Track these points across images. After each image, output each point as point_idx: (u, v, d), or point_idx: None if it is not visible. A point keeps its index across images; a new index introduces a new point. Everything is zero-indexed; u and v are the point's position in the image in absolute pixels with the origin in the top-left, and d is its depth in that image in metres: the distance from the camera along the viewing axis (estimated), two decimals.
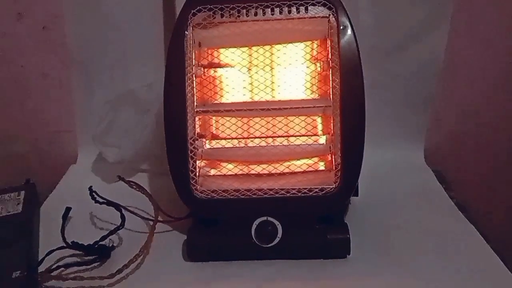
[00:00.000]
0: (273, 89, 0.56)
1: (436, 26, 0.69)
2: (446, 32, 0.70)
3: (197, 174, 0.53)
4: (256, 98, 0.55)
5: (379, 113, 0.71)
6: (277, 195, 0.52)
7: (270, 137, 0.55)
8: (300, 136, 0.54)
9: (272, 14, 0.53)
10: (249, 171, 0.54)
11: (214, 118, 0.57)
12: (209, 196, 0.53)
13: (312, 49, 0.55)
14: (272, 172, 0.53)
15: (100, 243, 0.54)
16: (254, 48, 0.55)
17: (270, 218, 0.52)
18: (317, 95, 0.55)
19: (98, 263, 0.53)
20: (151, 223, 0.58)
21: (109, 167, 0.71)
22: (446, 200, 0.65)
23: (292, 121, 0.54)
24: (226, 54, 0.55)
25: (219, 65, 0.56)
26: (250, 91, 0.55)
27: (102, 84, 0.74)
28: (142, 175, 0.73)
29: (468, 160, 0.79)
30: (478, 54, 0.73)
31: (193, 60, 0.54)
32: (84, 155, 0.77)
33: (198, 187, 0.53)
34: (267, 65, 0.55)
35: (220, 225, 0.53)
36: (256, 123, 0.54)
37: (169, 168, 0.53)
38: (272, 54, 0.55)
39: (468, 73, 0.74)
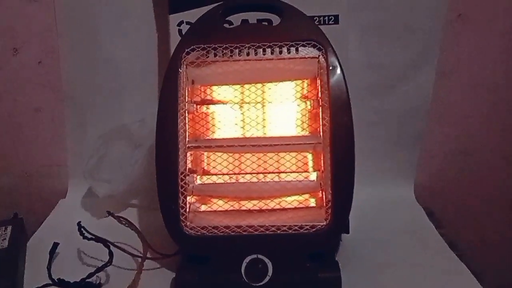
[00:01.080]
0: (264, 126, 0.57)
1: (424, 66, 0.72)
2: (433, 72, 0.72)
3: (187, 210, 0.53)
4: (248, 135, 0.56)
5: (368, 151, 0.72)
6: (267, 232, 0.51)
7: (261, 173, 0.55)
8: (291, 172, 0.54)
9: (264, 54, 0.54)
10: (240, 207, 0.53)
11: (205, 153, 0.58)
12: (198, 233, 0.52)
13: (303, 87, 0.57)
14: (263, 208, 0.53)
15: (87, 280, 0.53)
16: (246, 86, 0.57)
17: (260, 256, 0.51)
18: (307, 132, 0.56)
19: None
20: (139, 260, 0.57)
21: (99, 202, 0.70)
22: (436, 238, 0.65)
23: (283, 157, 0.54)
24: (219, 92, 0.57)
25: (212, 102, 0.57)
26: (242, 127, 0.56)
27: (95, 118, 0.74)
28: (132, 210, 0.72)
29: (458, 198, 0.80)
30: (466, 93, 0.75)
31: (186, 97, 0.54)
32: (74, 189, 0.77)
33: (188, 223, 0.53)
34: (259, 102, 0.56)
35: (210, 263, 0.52)
36: (247, 159, 0.54)
37: (159, 204, 0.53)
38: (264, 92, 0.56)
39: (457, 111, 0.76)
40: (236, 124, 0.56)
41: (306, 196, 0.55)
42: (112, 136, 0.70)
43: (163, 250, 0.58)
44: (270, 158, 0.54)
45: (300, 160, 0.54)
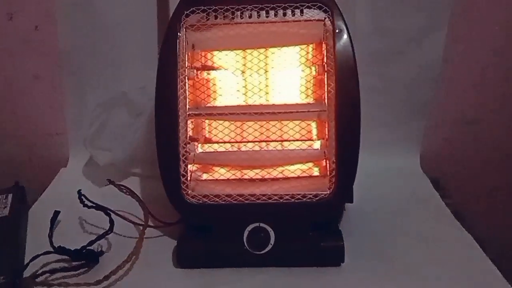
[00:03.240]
0: (267, 93, 0.55)
1: (434, 31, 0.69)
2: (444, 37, 0.69)
3: (189, 178, 0.52)
4: (250, 102, 0.54)
5: (374, 119, 0.71)
6: (270, 200, 0.51)
7: (263, 141, 0.54)
8: (294, 140, 0.53)
9: (267, 17, 0.52)
10: (242, 176, 0.52)
11: (207, 121, 0.56)
12: (200, 201, 0.51)
13: (307, 52, 0.54)
14: (266, 177, 0.52)
15: (88, 248, 0.53)
16: (248, 51, 0.54)
17: (262, 225, 0.51)
18: (311, 99, 0.54)
19: (86, 268, 0.52)
20: (141, 228, 0.57)
21: (99, 170, 0.70)
22: (442, 207, 0.64)
23: (286, 125, 0.53)
24: (220, 57, 0.55)
25: (212, 68, 0.55)
26: (244, 94, 0.54)
27: (94, 86, 0.72)
28: (133, 179, 0.72)
29: (465, 167, 0.78)
30: (476, 59, 0.72)
31: (186, 62, 0.52)
32: (75, 158, 0.76)
33: (189, 191, 0.52)
34: (261, 68, 0.54)
35: (211, 231, 0.52)
36: (250, 127, 0.53)
37: (160, 172, 0.52)
38: (267, 57, 0.54)
39: (466, 79, 0.74)
40: (238, 91, 0.54)
41: (310, 165, 0.54)
42: (112, 103, 0.68)
43: (164, 219, 0.58)
44: (273, 126, 0.53)
45: (303, 128, 0.53)
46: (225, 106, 0.53)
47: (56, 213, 0.59)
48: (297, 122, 0.53)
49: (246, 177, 0.52)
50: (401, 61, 0.71)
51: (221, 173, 0.53)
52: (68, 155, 0.76)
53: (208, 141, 0.56)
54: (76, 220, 0.61)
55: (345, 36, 0.50)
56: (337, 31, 0.50)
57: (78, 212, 0.60)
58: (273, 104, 0.53)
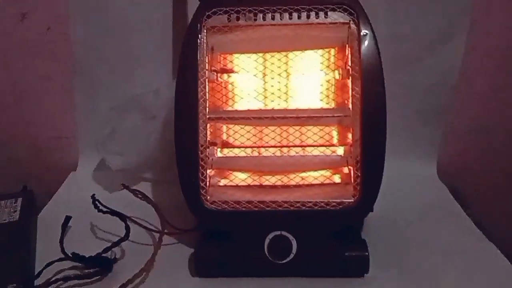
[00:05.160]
0: (288, 97, 0.53)
1: (453, 37, 0.68)
2: (463, 44, 0.68)
3: (207, 184, 0.50)
4: (270, 106, 0.53)
5: (390, 125, 0.69)
6: (292, 208, 0.49)
7: (284, 146, 0.53)
8: (318, 146, 0.51)
9: (290, 19, 0.51)
10: (263, 182, 0.51)
11: (225, 125, 0.55)
12: (220, 208, 0.50)
13: (330, 56, 0.53)
14: (288, 183, 0.50)
15: (103, 255, 0.51)
16: (270, 54, 0.53)
17: (284, 233, 0.49)
18: (333, 104, 0.53)
19: (99, 276, 0.50)
20: (155, 234, 0.55)
21: (110, 175, 0.68)
22: (462, 217, 0.62)
23: (309, 130, 0.51)
24: (240, 60, 0.53)
25: (232, 71, 0.54)
26: (265, 98, 0.53)
27: (106, 89, 0.71)
28: (145, 184, 0.70)
29: (482, 176, 0.77)
30: (495, 67, 0.71)
31: (206, 65, 0.51)
32: (84, 162, 0.74)
33: (208, 197, 0.50)
34: (283, 71, 0.53)
35: (230, 239, 0.50)
36: (272, 131, 0.51)
37: (178, 177, 0.50)
38: (289, 60, 0.53)
39: (484, 86, 0.72)
40: (260, 94, 0.53)
41: (329, 171, 0.53)
42: (125, 107, 0.67)
43: (178, 225, 0.56)
44: (296, 131, 0.51)
45: (327, 133, 0.51)
46: (247, 110, 0.52)
47: (68, 218, 0.57)
48: (320, 127, 0.51)
49: (267, 183, 0.51)
50: (418, 67, 0.69)
51: (242, 178, 0.52)
52: (78, 159, 0.74)
53: (226, 145, 0.54)
54: (88, 225, 0.60)
55: (371, 39, 0.49)
56: (362, 34, 0.49)
57: (89, 217, 0.59)
58: (295, 109, 0.52)
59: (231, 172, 0.52)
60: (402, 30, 0.68)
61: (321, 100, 0.53)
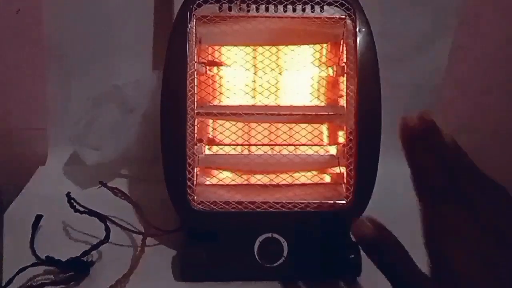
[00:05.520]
0: (280, 93, 0.51)
1: (440, 37, 0.68)
2: (450, 44, 0.68)
3: (195, 183, 0.48)
4: (262, 102, 0.50)
5: None
6: (283, 209, 0.47)
7: (274, 145, 0.50)
8: (312, 145, 0.49)
9: (285, 12, 0.48)
10: (253, 182, 0.48)
11: (211, 121, 0.52)
12: (208, 208, 0.47)
13: (324, 52, 0.51)
14: (280, 183, 0.48)
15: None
16: (260, 49, 0.51)
17: (275, 235, 0.47)
18: (325, 102, 0.51)
19: (75, 282, 0.46)
20: (136, 236, 0.52)
21: (84, 170, 0.64)
22: None
23: (304, 128, 0.49)
24: (229, 54, 0.51)
25: (221, 64, 0.51)
26: (258, 93, 0.51)
27: (80, 78, 0.66)
28: (122, 181, 0.66)
29: None
30: (482, 69, 0.72)
31: (195, 56, 0.48)
32: (54, 156, 0.69)
33: (195, 197, 0.47)
34: (277, 67, 0.50)
35: (218, 241, 0.48)
36: (265, 129, 0.49)
37: (164, 175, 0.47)
38: (281, 56, 0.51)
39: (469, 86, 0.73)
40: (251, 90, 0.50)
41: (323, 172, 0.51)
42: (103, 98, 0.62)
43: (160, 225, 0.53)
44: (290, 129, 0.49)
45: (320, 132, 0.50)
46: (238, 105, 0.49)
47: (38, 217, 0.53)
48: (315, 125, 0.49)
49: (258, 183, 0.48)
50: (405, 67, 0.69)
51: (231, 177, 0.49)
52: (47, 153, 0.70)
53: (212, 142, 0.52)
54: (60, 225, 0.55)
55: (368, 36, 0.48)
56: (359, 30, 0.48)
57: (61, 216, 0.55)
58: (289, 106, 0.49)
59: (219, 171, 0.50)
60: (389, 29, 0.67)
61: (314, 97, 0.51)
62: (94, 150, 0.61)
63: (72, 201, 0.51)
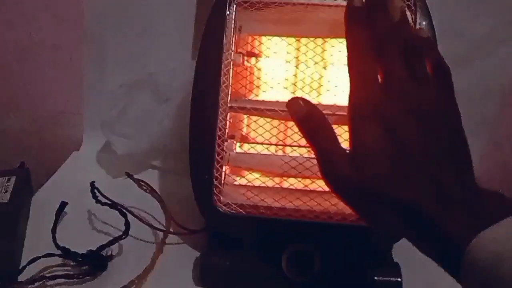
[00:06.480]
0: (320, 90, 0.46)
1: (505, 40, 0.60)
2: None
3: (222, 182, 0.44)
4: None
5: None
6: (317, 219, 0.42)
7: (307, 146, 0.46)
8: None
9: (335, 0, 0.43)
10: (287, 186, 0.44)
11: (246, 117, 0.48)
12: (233, 211, 0.43)
13: None
14: (316, 190, 0.43)
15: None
16: (304, 41, 0.46)
17: (306, 246, 0.43)
18: None
19: (91, 276, 0.44)
20: (158, 233, 0.49)
21: (116, 159, 0.62)
22: None
23: (346, 131, 0.44)
24: (272, 43, 0.46)
25: (259, 56, 0.47)
26: (300, 89, 0.46)
27: (118, 63, 0.64)
28: (152, 172, 0.63)
29: None
30: None
31: (232, 45, 0.44)
32: (89, 142, 0.68)
33: (221, 198, 0.44)
34: (321, 60, 0.45)
35: (243, 247, 0.44)
36: None
37: (189, 171, 0.44)
38: (327, 48, 0.46)
39: None
40: (289, 85, 0.46)
41: None
42: (137, 85, 0.60)
43: (184, 223, 0.50)
44: None
45: None
46: (275, 101, 0.45)
47: (63, 204, 0.51)
48: None
49: (291, 187, 0.44)
50: (467, 70, 0.62)
51: (262, 180, 0.45)
52: (82, 138, 0.68)
53: (245, 140, 0.48)
54: (84, 214, 0.54)
55: (430, 31, 0.42)
56: (419, 25, 0.42)
57: (87, 204, 0.52)
58: (333, 105, 0.44)
59: (251, 171, 0.46)
60: (453, 28, 0.60)
61: None
62: (126, 139, 0.59)
63: (95, 191, 0.49)
